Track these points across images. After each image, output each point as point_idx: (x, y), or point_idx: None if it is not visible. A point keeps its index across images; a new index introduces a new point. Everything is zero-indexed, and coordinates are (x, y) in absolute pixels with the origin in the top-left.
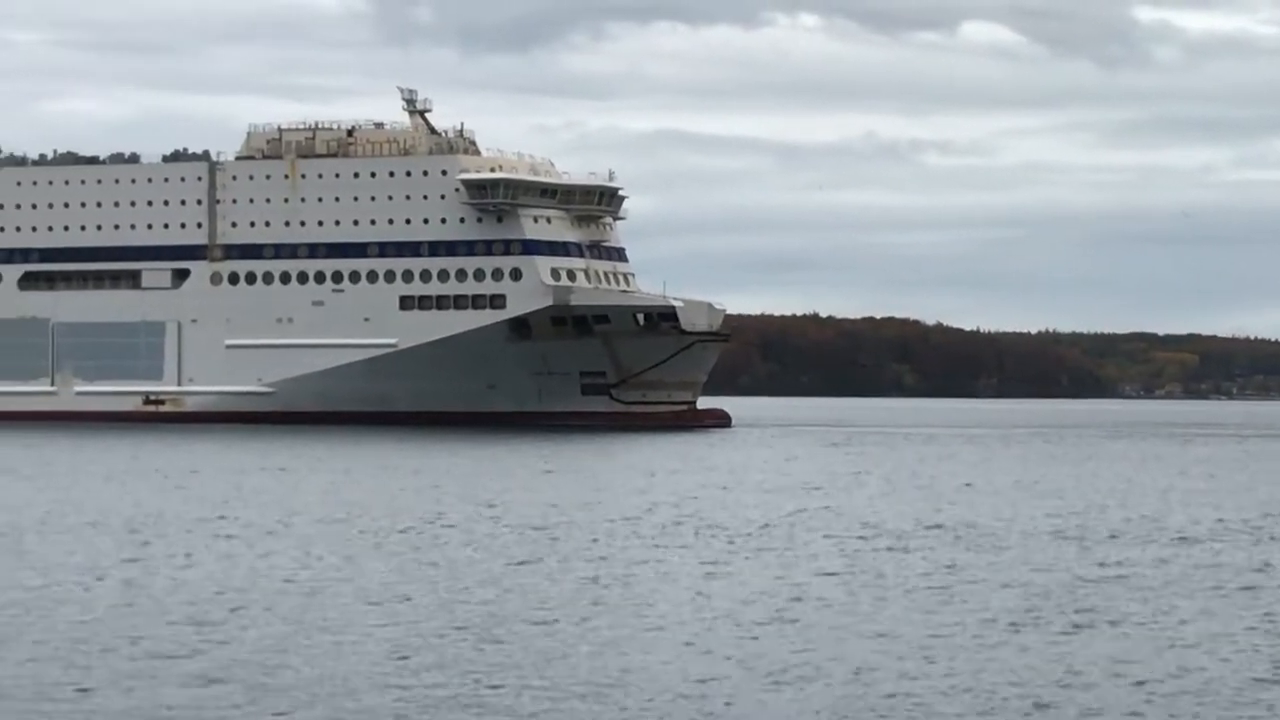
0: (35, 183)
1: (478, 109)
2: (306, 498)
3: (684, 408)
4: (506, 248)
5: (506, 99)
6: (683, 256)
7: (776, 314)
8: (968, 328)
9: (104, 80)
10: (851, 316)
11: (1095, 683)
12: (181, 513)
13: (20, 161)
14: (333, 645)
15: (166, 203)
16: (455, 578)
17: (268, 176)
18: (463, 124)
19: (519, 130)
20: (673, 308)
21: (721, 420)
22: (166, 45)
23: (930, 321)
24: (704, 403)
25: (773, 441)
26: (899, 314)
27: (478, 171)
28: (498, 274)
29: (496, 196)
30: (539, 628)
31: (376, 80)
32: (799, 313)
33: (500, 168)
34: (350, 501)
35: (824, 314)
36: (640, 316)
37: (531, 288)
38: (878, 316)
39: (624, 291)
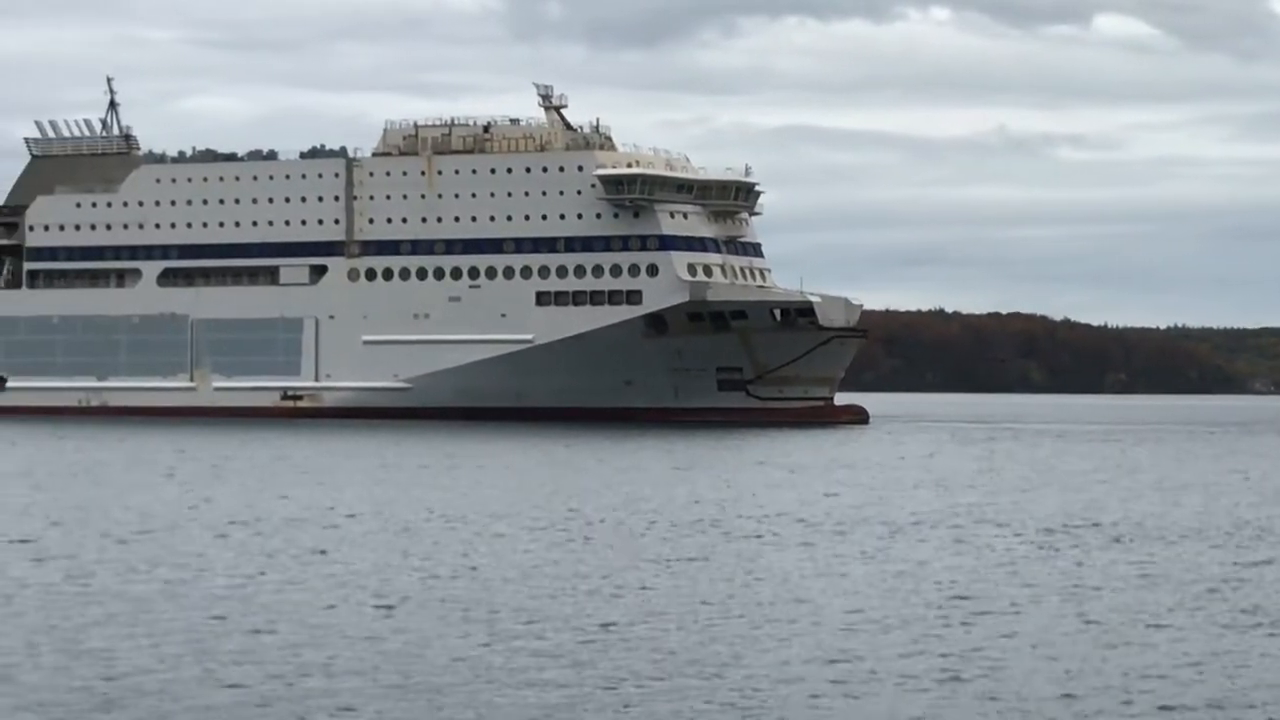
0: (174, 180)
1: (606, 105)
2: (532, 493)
3: (821, 404)
4: (643, 243)
5: (635, 95)
6: (808, 251)
7: (902, 309)
8: (1095, 323)
9: (238, 78)
10: (977, 312)
11: None
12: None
13: (160, 159)
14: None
15: (304, 199)
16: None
17: (404, 173)
18: (598, 119)
19: (647, 126)
20: (810, 303)
21: (859, 416)
22: (299, 43)
23: (1057, 317)
24: (840, 399)
25: (910, 438)
26: (1025, 309)
27: (614, 167)
28: (634, 270)
29: (633, 192)
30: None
31: (506, 77)
32: (925, 308)
33: (637, 163)
34: (573, 496)
35: (950, 310)
36: (777, 312)
37: (668, 283)
38: (1004, 312)
39: (760, 287)
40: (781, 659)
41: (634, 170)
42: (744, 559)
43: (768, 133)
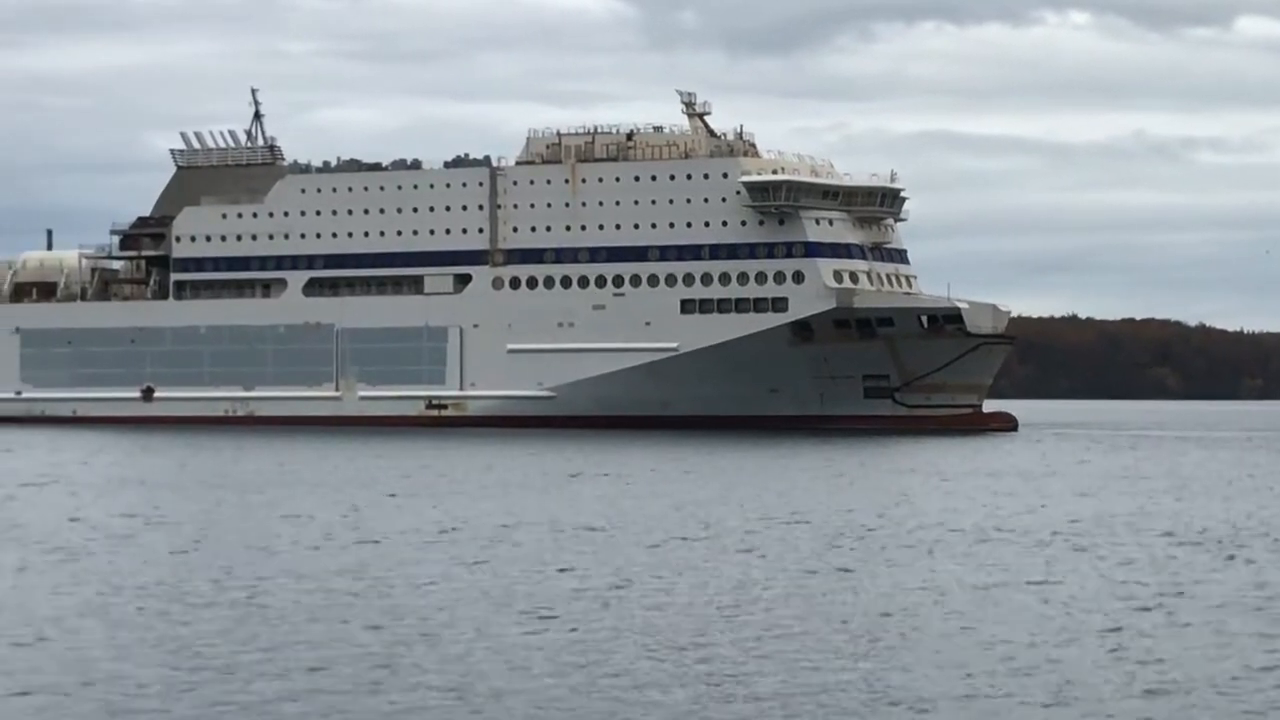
0: (320, 190)
1: (741, 112)
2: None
3: (969, 411)
4: (788, 250)
5: (771, 102)
6: (942, 257)
7: (1035, 315)
8: (1231, 329)
9: (375, 89)
10: (1112, 318)
11: None
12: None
13: (305, 169)
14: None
15: (448, 208)
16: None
17: (548, 181)
18: (742, 126)
19: (783, 133)
20: (958, 310)
21: (1007, 424)
22: (436, 54)
23: (1193, 323)
24: (988, 406)
25: (1059, 445)
26: (1161, 315)
27: (759, 174)
28: (780, 277)
29: (778, 199)
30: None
31: (642, 85)
32: (1058, 314)
33: (782, 170)
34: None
35: (1083, 315)
36: (924, 319)
37: (814, 290)
38: (1138, 318)
39: (907, 294)
40: (964, 672)
41: (779, 177)
42: (926, 569)
43: (904, 138)
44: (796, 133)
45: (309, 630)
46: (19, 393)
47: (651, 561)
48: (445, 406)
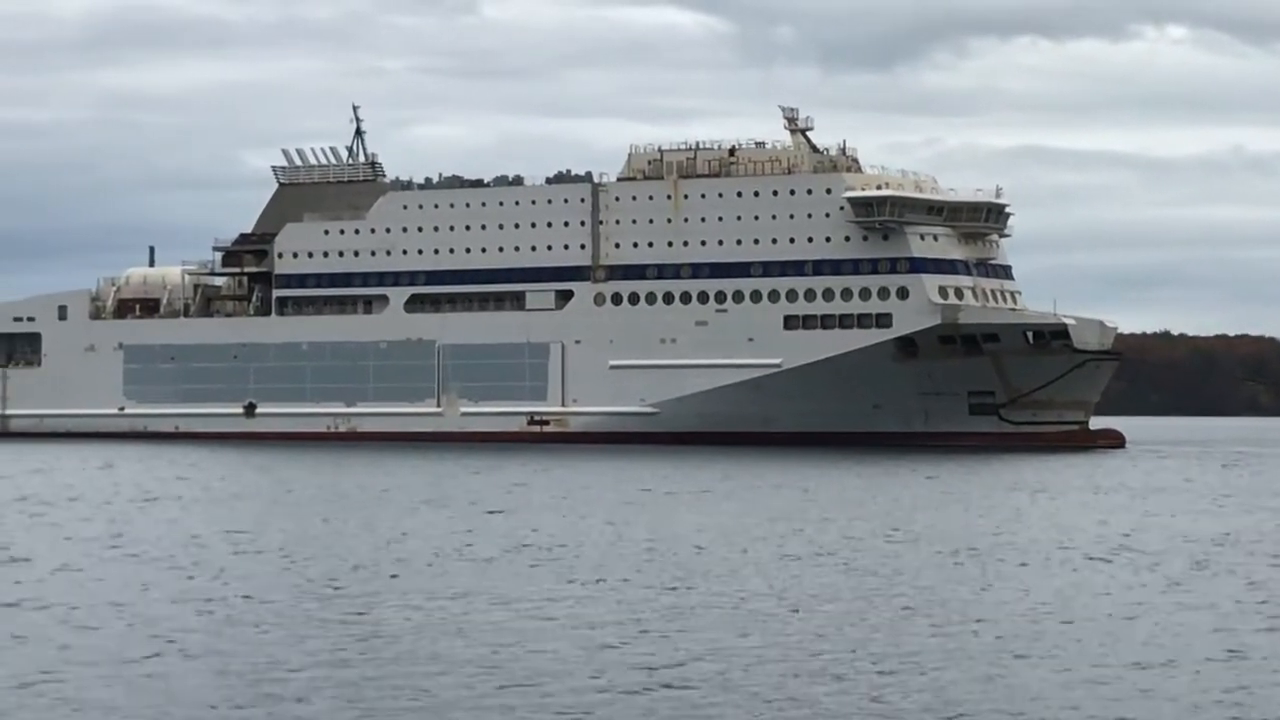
0: (421, 206)
1: (834, 127)
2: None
3: (1075, 428)
4: (893, 266)
5: (864, 117)
6: (1038, 272)
7: (1126, 332)
8: None
9: (470, 105)
10: (1204, 334)
11: None
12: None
13: (406, 186)
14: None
15: (550, 224)
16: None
17: (650, 197)
18: (844, 141)
19: (877, 148)
20: (1064, 326)
21: (1115, 441)
22: (529, 71)
23: None
24: (1095, 423)
25: (1164, 462)
26: (1255, 331)
27: (863, 189)
28: (884, 293)
29: (883, 214)
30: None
31: (736, 101)
32: (1149, 330)
33: (886, 185)
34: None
35: (1175, 331)
36: (1030, 335)
37: (919, 306)
38: (1231, 334)
39: (1012, 309)
40: (1106, 689)
41: (884, 192)
42: (1048, 586)
43: (998, 154)
44: (890, 148)
45: (421, 648)
46: (122, 409)
47: (768, 580)
48: (547, 422)
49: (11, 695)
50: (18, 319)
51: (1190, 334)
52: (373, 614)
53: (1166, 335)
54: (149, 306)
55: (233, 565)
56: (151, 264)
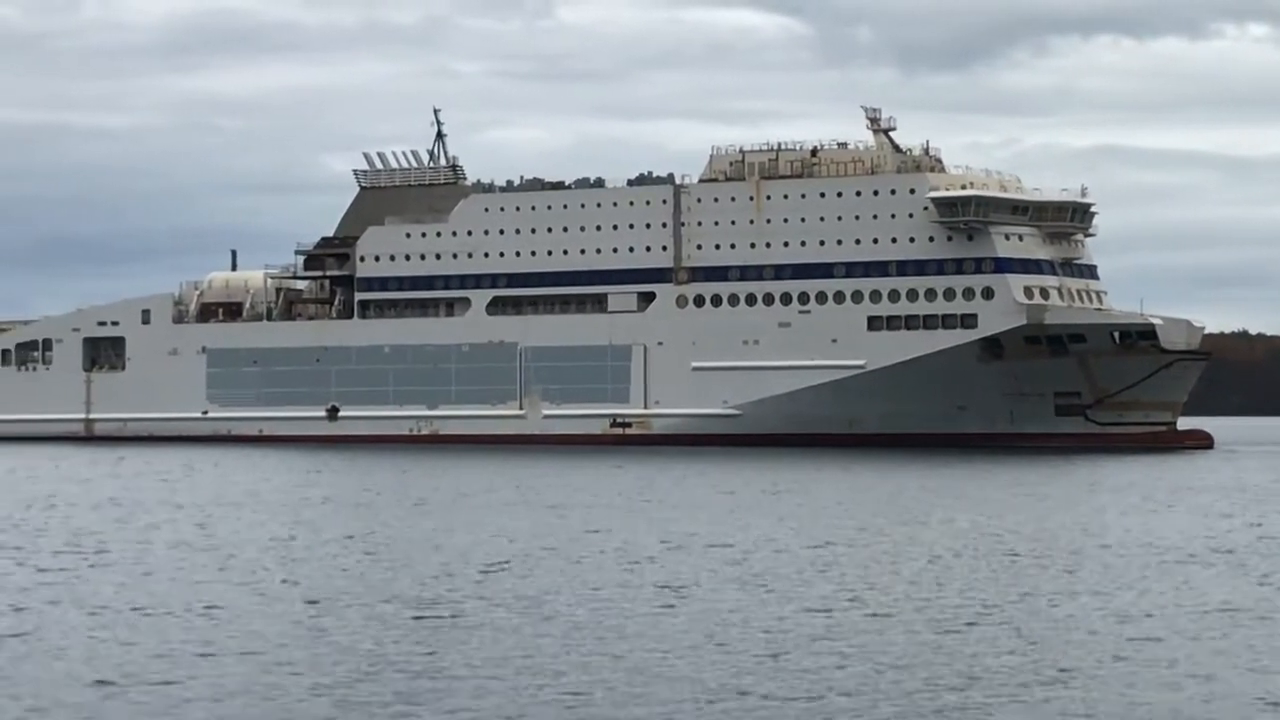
0: (503, 209)
1: (913, 127)
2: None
3: (1163, 429)
4: (978, 266)
5: (942, 117)
6: (1120, 271)
7: (1207, 331)
8: None
9: (545, 108)
10: None
11: None
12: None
13: (488, 188)
14: None
15: (632, 226)
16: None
17: (733, 199)
18: (928, 141)
19: (955, 148)
20: (1152, 326)
21: (1203, 442)
22: (606, 73)
23: None
24: (1182, 423)
25: (1259, 463)
26: None
27: (948, 189)
28: (969, 293)
29: (967, 214)
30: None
31: (813, 102)
32: (1227, 330)
33: (971, 185)
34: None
35: (1253, 331)
36: (1116, 335)
37: (1004, 307)
38: None
39: (1098, 309)
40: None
41: (968, 192)
42: (1151, 589)
43: (1076, 153)
44: (967, 148)
45: (507, 648)
46: (205, 412)
47: (864, 580)
48: (629, 425)
49: (106, 698)
50: (102, 323)
51: (1269, 334)
52: (462, 615)
53: (1245, 335)
54: (232, 310)
55: (318, 567)
56: (234, 268)
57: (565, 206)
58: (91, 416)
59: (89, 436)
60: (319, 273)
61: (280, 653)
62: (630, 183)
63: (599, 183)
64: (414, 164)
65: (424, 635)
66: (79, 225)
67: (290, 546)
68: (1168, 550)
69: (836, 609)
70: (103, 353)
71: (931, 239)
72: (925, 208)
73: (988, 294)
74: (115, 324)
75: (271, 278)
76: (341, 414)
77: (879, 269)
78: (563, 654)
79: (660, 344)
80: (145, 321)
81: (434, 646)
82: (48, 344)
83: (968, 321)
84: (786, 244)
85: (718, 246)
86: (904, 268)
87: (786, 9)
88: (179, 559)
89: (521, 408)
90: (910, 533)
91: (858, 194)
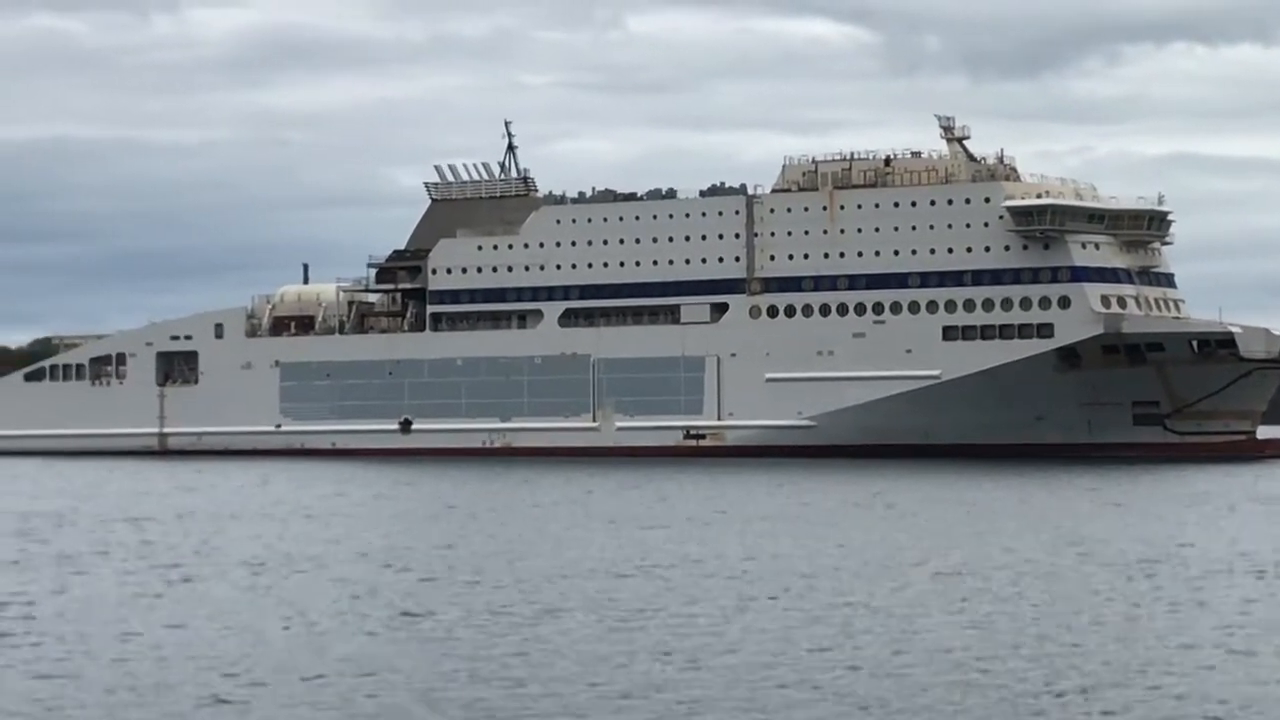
0: (575, 221)
1: (982, 135)
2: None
3: (1242, 438)
4: (1054, 275)
5: (1012, 125)
6: (1196, 279)
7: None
8: None
9: (614, 120)
10: None
11: None
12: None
13: (559, 200)
14: None
15: (704, 237)
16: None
17: (806, 209)
18: (1002, 150)
19: (1024, 157)
20: (1231, 334)
21: None
22: (674, 83)
23: None
24: (1261, 432)
25: None
26: None
27: (1023, 198)
28: (1045, 302)
29: (1043, 223)
30: None
31: (882, 111)
32: None
33: (1046, 193)
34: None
35: None
36: (1195, 344)
37: (1081, 316)
38: None
39: (1176, 318)
40: None
41: (1044, 201)
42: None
43: (1149, 161)
44: (1038, 156)
45: (597, 661)
46: (279, 426)
47: (952, 592)
48: (703, 436)
49: (201, 712)
50: (175, 337)
51: None
52: (543, 625)
53: None
54: (304, 324)
55: (401, 581)
56: (305, 281)
57: (638, 218)
58: (165, 431)
59: (163, 451)
60: (391, 286)
61: (369, 665)
62: (703, 193)
63: (671, 194)
64: (485, 176)
65: (516, 648)
66: (150, 240)
67: (374, 560)
68: (1230, 559)
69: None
70: (176, 367)
71: (1007, 248)
72: (1001, 216)
73: (1064, 303)
74: (188, 338)
75: (344, 291)
76: (414, 427)
77: (954, 279)
78: (667, 672)
79: (734, 355)
80: (218, 335)
81: (531, 662)
82: (121, 358)
83: (1044, 331)
84: (860, 254)
85: (791, 257)
86: (979, 277)
87: (855, 18)
88: (269, 572)
89: (595, 420)
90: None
91: (932, 203)
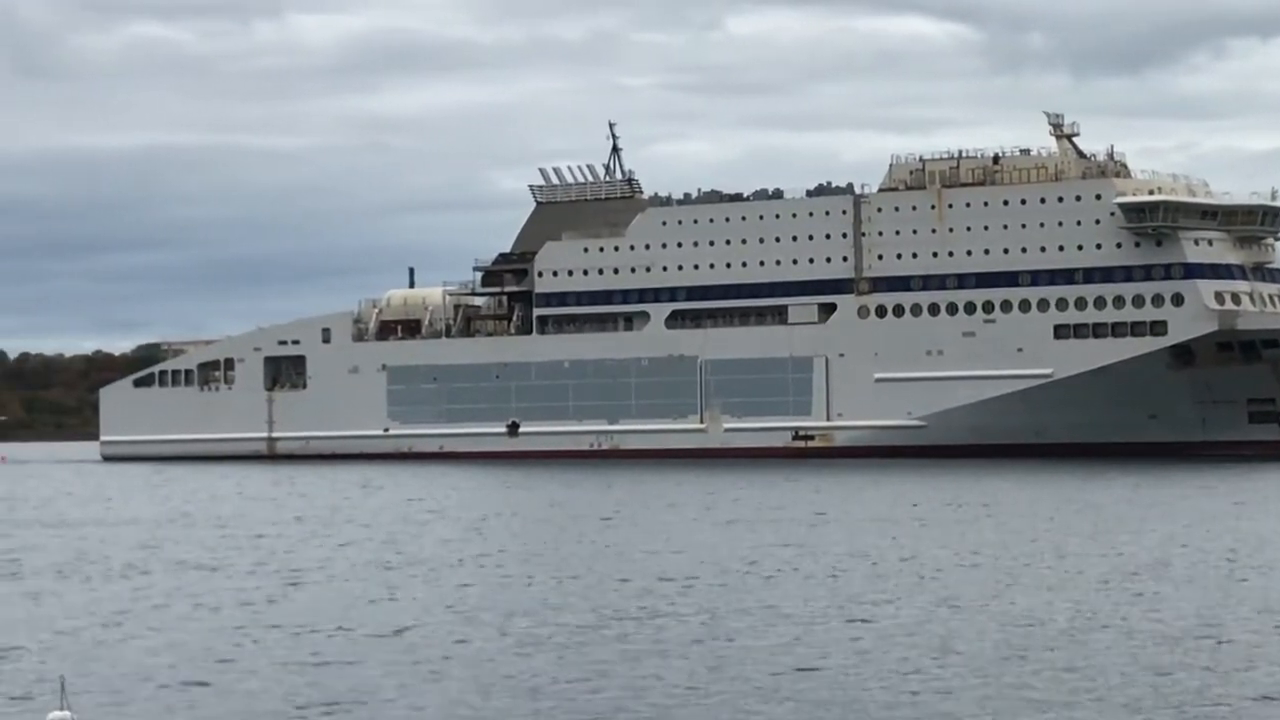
0: (680, 222)
1: (1087, 132)
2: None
3: None
4: (1166, 272)
5: (1116, 122)
6: None
7: None
8: None
9: (715, 121)
10: None
11: None
12: None
13: (665, 202)
14: None
15: (811, 237)
16: None
17: (913, 208)
18: (1112, 146)
19: (1128, 153)
20: None
21: None
22: (775, 84)
23: None
24: None
25: None
26: None
27: (1135, 194)
28: (1157, 299)
29: (1155, 220)
30: None
31: (984, 109)
32: None
33: (1158, 190)
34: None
35: None
36: None
37: (1194, 313)
38: None
39: None
40: None
41: (1157, 197)
42: None
43: (1255, 157)
44: (1143, 153)
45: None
46: (386, 430)
47: (1099, 595)
48: (812, 437)
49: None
50: (282, 342)
51: None
52: (661, 630)
53: None
54: (410, 327)
55: (515, 584)
56: (411, 285)
57: (744, 218)
58: (274, 435)
59: (271, 455)
60: (497, 289)
61: (485, 670)
62: (809, 193)
63: (778, 194)
64: (590, 178)
65: (637, 649)
66: (255, 246)
67: (492, 562)
68: None
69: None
70: (284, 371)
71: (1119, 245)
72: (1112, 213)
73: (1177, 300)
74: (296, 343)
75: (450, 294)
76: (522, 430)
77: (1065, 276)
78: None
79: (842, 355)
80: (325, 340)
81: (660, 663)
82: (229, 364)
83: (1157, 329)
84: (970, 252)
85: (899, 256)
86: (1091, 275)
87: (957, 16)
88: (382, 576)
89: (702, 421)
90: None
91: (1042, 201)
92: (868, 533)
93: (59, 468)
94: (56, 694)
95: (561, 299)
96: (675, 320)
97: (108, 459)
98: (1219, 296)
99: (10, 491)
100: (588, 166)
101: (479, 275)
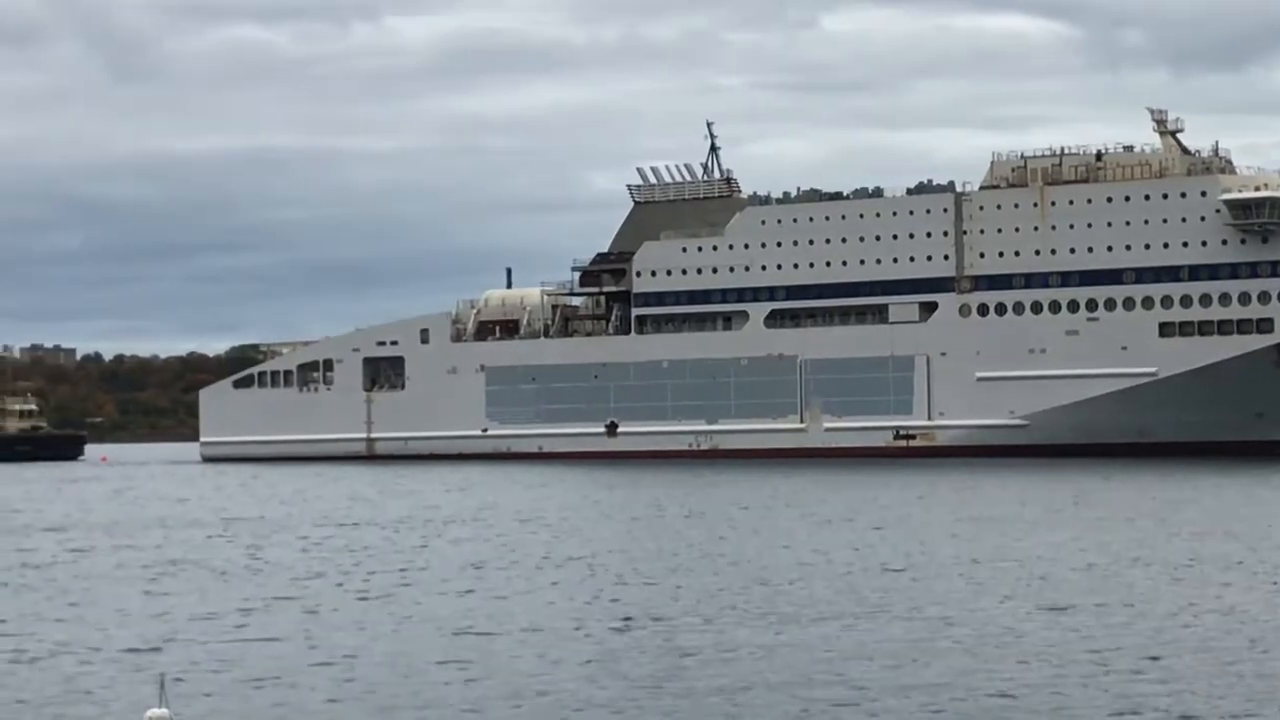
0: (780, 221)
1: (1188, 129)
2: None
3: None
4: (1273, 269)
5: (1216, 118)
6: None
7: None
8: None
9: (810, 119)
10: None
11: None
12: None
13: (764, 201)
14: None
15: (912, 236)
16: None
17: (1015, 205)
18: (1217, 143)
19: (1229, 149)
20: None
21: None
22: (871, 83)
23: None
24: None
25: None
26: None
27: (1240, 191)
28: (1264, 297)
29: (1261, 216)
30: None
31: (1082, 107)
32: None
33: (1265, 186)
34: None
35: None
36: None
37: None
38: None
39: None
40: None
41: (1263, 194)
42: None
43: None
44: (1244, 149)
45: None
46: (485, 430)
47: (1196, 596)
48: (913, 437)
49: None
50: (381, 343)
51: None
52: (787, 629)
53: None
54: (508, 328)
55: (631, 584)
56: (508, 285)
57: (844, 217)
58: (373, 436)
59: (370, 456)
60: (595, 289)
61: (595, 671)
62: (909, 192)
63: (878, 192)
64: (688, 178)
65: (760, 648)
66: (352, 248)
67: (588, 563)
68: None
69: None
70: (382, 372)
71: (1224, 242)
72: (1218, 210)
73: None
74: (394, 343)
75: (548, 295)
76: (620, 430)
77: (1170, 274)
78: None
79: (943, 354)
80: (424, 341)
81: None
82: (328, 364)
83: (1263, 326)
84: (1073, 250)
85: (1001, 254)
86: (1196, 272)
87: (1055, 13)
88: (492, 576)
89: (802, 421)
90: None
91: (1146, 198)
92: (1039, 531)
93: (165, 469)
94: (156, 692)
95: (660, 299)
96: (774, 319)
97: (207, 460)
98: None
99: (136, 491)
100: (685, 166)
101: (577, 275)
